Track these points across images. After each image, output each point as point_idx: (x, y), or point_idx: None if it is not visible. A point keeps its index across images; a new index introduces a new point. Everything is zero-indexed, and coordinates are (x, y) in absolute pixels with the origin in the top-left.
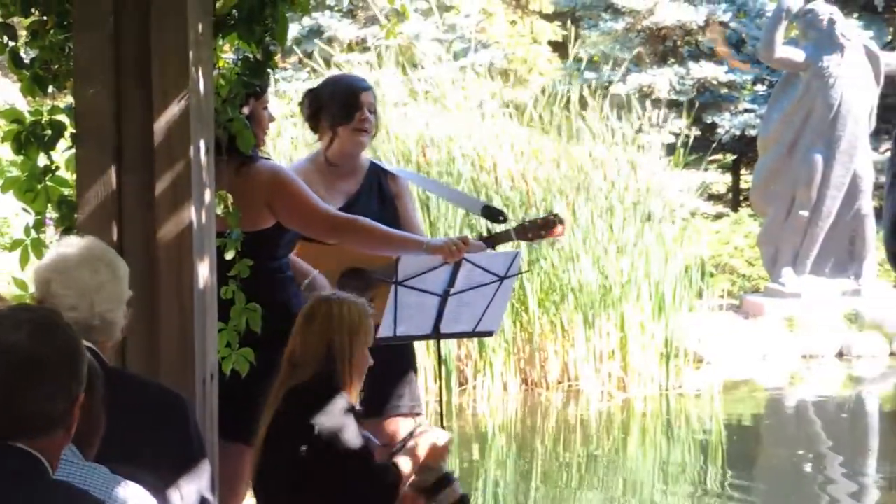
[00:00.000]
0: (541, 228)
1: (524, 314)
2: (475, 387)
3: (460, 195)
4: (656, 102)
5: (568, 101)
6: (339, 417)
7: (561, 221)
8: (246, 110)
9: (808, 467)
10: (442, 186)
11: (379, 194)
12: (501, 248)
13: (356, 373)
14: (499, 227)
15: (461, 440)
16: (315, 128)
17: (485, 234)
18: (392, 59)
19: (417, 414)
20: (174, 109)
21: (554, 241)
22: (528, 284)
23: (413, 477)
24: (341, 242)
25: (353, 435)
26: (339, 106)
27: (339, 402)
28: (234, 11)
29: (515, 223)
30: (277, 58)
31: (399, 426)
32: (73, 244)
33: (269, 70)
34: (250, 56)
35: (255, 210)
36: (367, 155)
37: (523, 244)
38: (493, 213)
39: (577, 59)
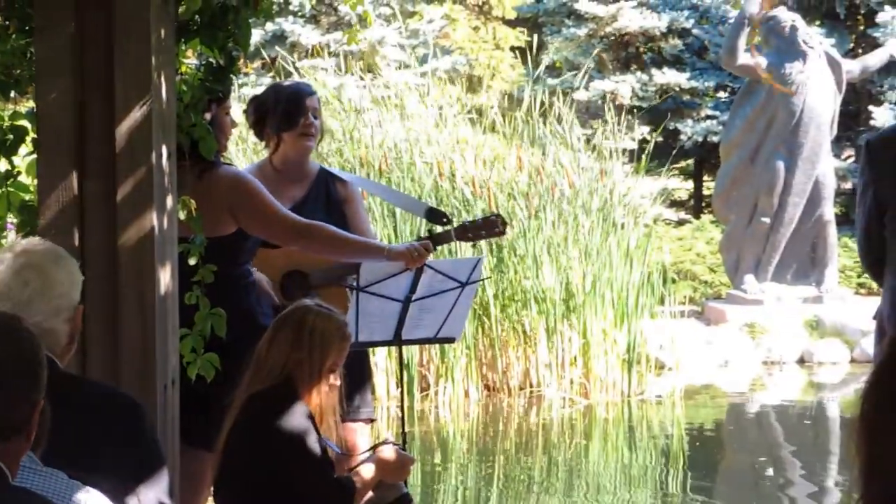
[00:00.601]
0: (481, 228)
1: (486, 320)
2: (437, 392)
3: (405, 198)
4: (619, 109)
5: (531, 107)
6: (297, 424)
7: (502, 221)
8: (208, 116)
9: (769, 472)
10: (387, 190)
11: (326, 200)
12: (462, 252)
13: (319, 386)
14: (440, 228)
15: (423, 445)
16: (260, 134)
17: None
18: (355, 65)
19: (372, 420)
20: (136, 115)
21: (514, 248)
22: (490, 290)
23: (370, 493)
24: (303, 248)
25: (311, 443)
26: (284, 112)
27: (299, 410)
28: (196, 17)
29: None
30: (240, 63)
31: (355, 432)
32: (6, 257)
33: (232, 75)
34: (213, 61)
35: (217, 216)
36: (315, 160)
37: (482, 248)
38: (437, 216)
39: (540, 66)
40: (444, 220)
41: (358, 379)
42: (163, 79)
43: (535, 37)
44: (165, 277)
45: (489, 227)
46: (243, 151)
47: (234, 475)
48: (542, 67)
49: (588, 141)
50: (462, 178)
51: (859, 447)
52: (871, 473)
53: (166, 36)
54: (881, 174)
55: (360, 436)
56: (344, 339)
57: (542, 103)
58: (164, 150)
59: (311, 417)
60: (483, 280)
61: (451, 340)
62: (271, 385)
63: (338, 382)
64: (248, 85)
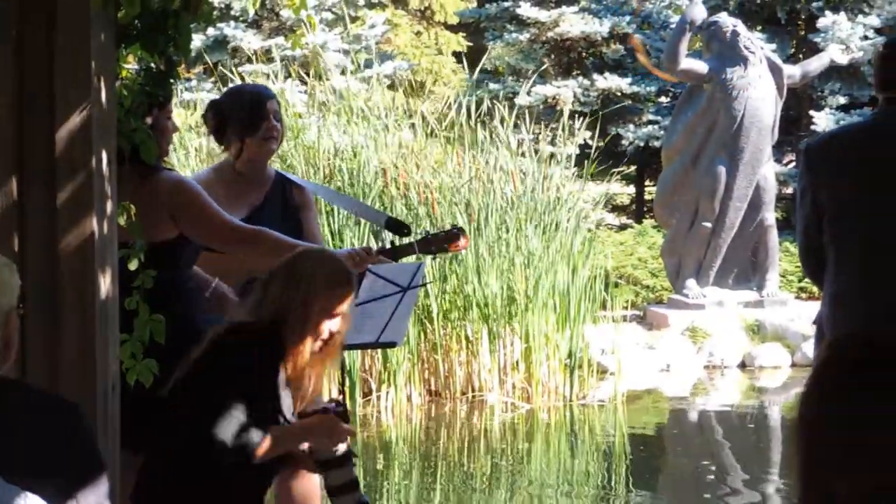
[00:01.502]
0: (444, 241)
1: (429, 325)
2: (379, 397)
3: (365, 207)
4: (561, 114)
5: (473, 113)
6: (255, 366)
7: (464, 234)
8: (149, 120)
9: (710, 477)
10: (347, 199)
11: (283, 205)
12: (404, 260)
13: (306, 341)
14: (402, 240)
15: (365, 451)
16: (221, 139)
17: (388, 246)
18: (297, 70)
19: None
20: (76, 120)
21: (457, 254)
22: (433, 295)
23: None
24: (245, 254)
25: (253, 394)
26: (245, 117)
27: (268, 356)
28: (136, 22)
29: (419, 235)
30: (182, 68)
31: None
32: None
33: (173, 80)
34: (153, 66)
35: (158, 221)
36: (273, 166)
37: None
38: (397, 226)
39: (483, 71)
40: (405, 230)
41: None
42: (103, 83)
43: (478, 42)
44: (106, 282)
45: (451, 239)
46: (184, 157)
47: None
48: (476, 71)
49: (530, 146)
50: (406, 183)
51: (797, 450)
52: (809, 476)
53: (106, 40)
54: (819, 179)
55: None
56: (340, 285)
57: (484, 108)
58: (105, 155)
59: (275, 372)
60: (425, 285)
61: (392, 345)
62: (254, 322)
63: (337, 336)
64: (191, 90)
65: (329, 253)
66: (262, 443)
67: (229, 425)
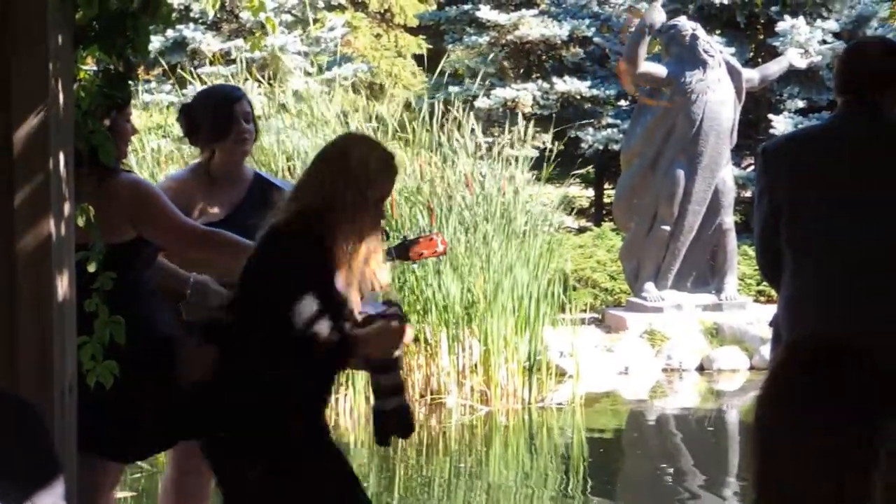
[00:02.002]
0: (422, 248)
1: None
2: (338, 400)
3: None
4: (520, 116)
5: (432, 115)
6: (312, 261)
7: (443, 240)
8: (107, 122)
9: (668, 479)
10: None
11: (263, 205)
12: None
13: (363, 230)
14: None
15: None
16: (195, 143)
17: None
18: (256, 72)
19: None
20: (33, 121)
21: (438, 260)
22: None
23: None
24: (205, 256)
25: (320, 285)
26: (215, 121)
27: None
28: (94, 23)
29: (397, 241)
30: (141, 70)
31: None
32: None
33: (131, 82)
34: (111, 68)
35: (116, 223)
36: (250, 166)
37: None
38: None
39: (442, 73)
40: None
41: None
42: (60, 85)
43: (438, 44)
44: (63, 284)
45: (430, 246)
46: (142, 159)
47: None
48: (434, 73)
49: (489, 149)
50: None
51: (753, 452)
52: (765, 477)
53: (64, 42)
54: (776, 181)
55: None
56: (394, 170)
57: (444, 111)
58: (62, 156)
59: (327, 269)
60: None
61: None
62: (299, 219)
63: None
64: (150, 92)
65: (372, 138)
66: (335, 339)
67: (301, 319)
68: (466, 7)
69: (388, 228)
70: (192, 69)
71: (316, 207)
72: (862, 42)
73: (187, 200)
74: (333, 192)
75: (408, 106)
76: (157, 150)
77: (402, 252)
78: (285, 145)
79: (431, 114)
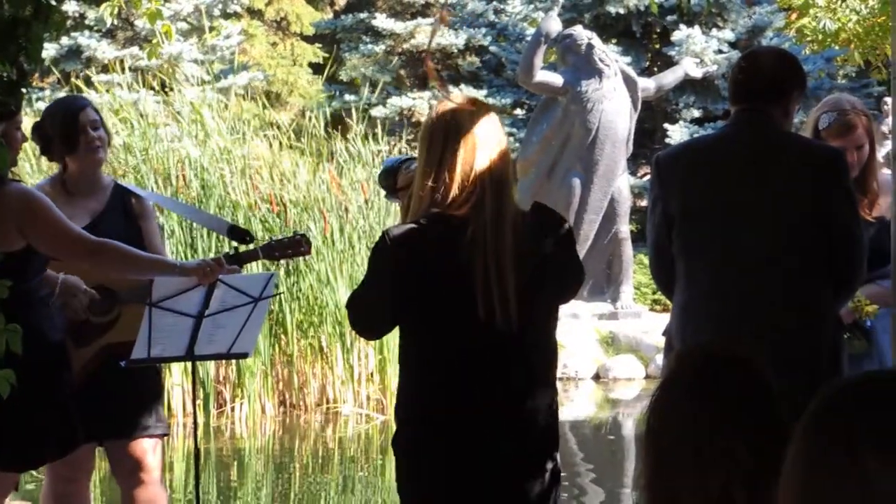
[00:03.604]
0: (287, 248)
1: (283, 337)
2: (233, 409)
3: (206, 216)
4: (416, 125)
5: (327, 124)
6: None
7: (307, 241)
8: None
9: (564, 484)
10: (188, 207)
11: (124, 214)
12: (256, 269)
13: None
14: (246, 247)
15: (218, 462)
16: (50, 158)
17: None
18: (152, 80)
19: (165, 435)
20: None
21: (310, 265)
22: (286, 307)
23: None
24: (94, 266)
25: None
26: (62, 136)
27: None
28: None
29: (261, 243)
30: (33, 77)
31: (147, 448)
32: None
33: (24, 89)
34: (3, 75)
35: (5, 232)
36: (109, 175)
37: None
38: (239, 234)
39: (338, 82)
40: (248, 237)
41: (151, 395)
42: None
43: (334, 53)
44: None
45: (295, 246)
46: (32, 167)
47: None
48: (331, 82)
49: (384, 158)
50: (259, 194)
51: (645, 459)
52: (656, 484)
53: None
54: (670, 189)
55: (155, 454)
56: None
57: (339, 119)
58: None
59: None
60: (276, 295)
61: (244, 356)
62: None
63: None
64: (44, 100)
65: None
66: None
67: None
68: (362, 15)
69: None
70: (88, 77)
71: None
72: (756, 51)
73: None
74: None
75: (303, 114)
76: (43, 158)
77: (267, 252)
78: (179, 154)
79: (326, 122)
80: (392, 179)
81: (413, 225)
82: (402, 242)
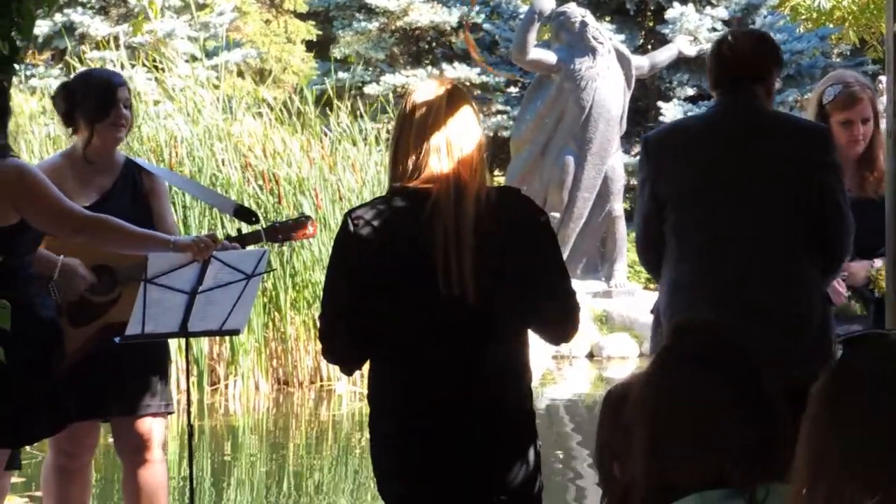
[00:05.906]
0: (291, 230)
1: (277, 314)
2: (227, 386)
3: (214, 194)
4: None
5: (320, 101)
6: None
7: (312, 222)
8: None
9: (558, 465)
10: (196, 185)
11: (133, 191)
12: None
13: None
14: (250, 227)
15: (213, 439)
16: (70, 124)
17: (234, 234)
18: (144, 57)
19: (170, 413)
20: None
21: (303, 242)
22: (280, 284)
23: None
24: (88, 241)
25: None
26: (95, 103)
27: None
28: None
29: (266, 224)
30: (26, 53)
31: (152, 426)
32: None
33: (16, 65)
34: None
35: None
36: (122, 151)
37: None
38: (245, 214)
39: (332, 60)
40: (254, 218)
41: (159, 373)
42: None
43: (327, 30)
44: None
45: (298, 227)
46: (26, 143)
47: None
48: (326, 60)
49: (378, 135)
50: (252, 172)
51: (639, 433)
52: (650, 460)
53: None
54: (659, 169)
55: (160, 432)
56: None
57: (332, 97)
58: None
59: None
60: (268, 272)
61: (236, 332)
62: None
63: None
64: (37, 76)
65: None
66: None
67: None
68: None
69: (266, 212)
70: (81, 54)
71: None
72: (732, 34)
73: (58, 186)
74: None
75: (297, 91)
76: (48, 134)
77: (271, 234)
78: (170, 131)
79: (319, 100)
80: None
81: (375, 200)
82: (366, 220)
